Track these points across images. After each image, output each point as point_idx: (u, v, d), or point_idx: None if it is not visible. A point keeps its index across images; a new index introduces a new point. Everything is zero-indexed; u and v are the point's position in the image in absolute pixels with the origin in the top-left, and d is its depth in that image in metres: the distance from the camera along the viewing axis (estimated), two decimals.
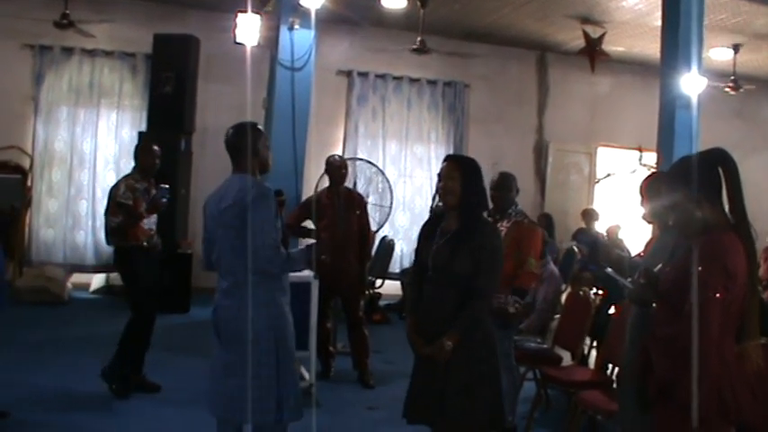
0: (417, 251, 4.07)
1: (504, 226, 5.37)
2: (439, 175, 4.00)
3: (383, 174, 10.88)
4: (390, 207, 10.57)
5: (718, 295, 2.83)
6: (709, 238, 2.94)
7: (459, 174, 3.86)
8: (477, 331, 3.79)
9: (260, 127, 4.08)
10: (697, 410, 2.88)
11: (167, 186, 6.25)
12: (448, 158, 4.12)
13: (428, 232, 4.01)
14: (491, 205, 4.75)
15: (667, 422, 3.02)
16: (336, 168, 7.03)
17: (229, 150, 3.97)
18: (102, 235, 10.59)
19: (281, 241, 3.87)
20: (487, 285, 3.81)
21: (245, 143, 3.89)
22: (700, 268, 2.87)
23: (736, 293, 2.90)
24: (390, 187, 10.72)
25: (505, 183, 5.59)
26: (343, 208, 6.92)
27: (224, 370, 3.85)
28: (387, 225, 11.54)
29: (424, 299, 3.95)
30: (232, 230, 3.80)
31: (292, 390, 3.90)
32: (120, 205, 5.91)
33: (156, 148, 6.21)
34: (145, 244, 6.04)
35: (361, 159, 11.05)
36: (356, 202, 7.10)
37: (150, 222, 6.08)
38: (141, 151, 6.30)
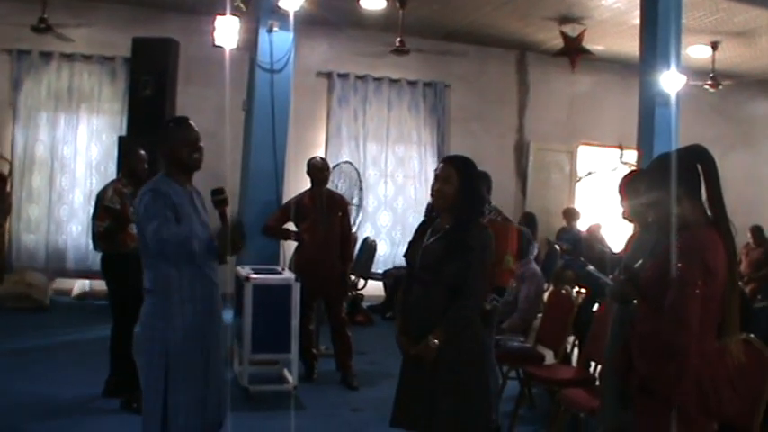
0: (407, 251, 4.04)
1: None
2: (436, 175, 3.92)
3: (357, 171, 10.84)
4: (359, 206, 10.54)
5: (697, 291, 2.85)
6: (688, 234, 2.95)
7: (455, 178, 3.82)
8: (467, 331, 3.76)
9: (179, 122, 4.06)
10: (678, 405, 2.90)
11: None
12: (445, 160, 4.05)
13: (420, 233, 4.00)
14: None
15: (649, 418, 3.02)
16: (318, 170, 7.03)
17: None
18: (83, 240, 10.71)
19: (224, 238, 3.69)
20: (477, 285, 3.78)
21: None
22: (679, 264, 2.88)
23: (716, 289, 2.91)
24: (361, 184, 10.69)
25: None
26: (325, 210, 6.92)
27: None
28: (369, 225, 11.57)
29: (411, 298, 3.91)
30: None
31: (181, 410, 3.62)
32: (108, 210, 5.87)
33: (143, 152, 6.17)
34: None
35: (345, 163, 11.02)
36: (338, 204, 7.11)
37: None
38: (129, 156, 6.25)
